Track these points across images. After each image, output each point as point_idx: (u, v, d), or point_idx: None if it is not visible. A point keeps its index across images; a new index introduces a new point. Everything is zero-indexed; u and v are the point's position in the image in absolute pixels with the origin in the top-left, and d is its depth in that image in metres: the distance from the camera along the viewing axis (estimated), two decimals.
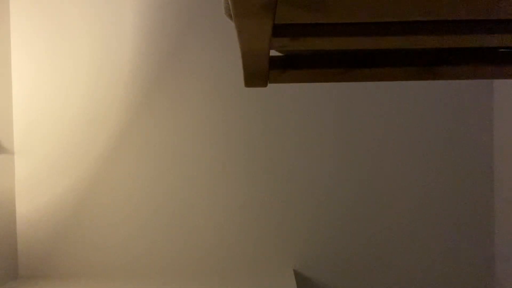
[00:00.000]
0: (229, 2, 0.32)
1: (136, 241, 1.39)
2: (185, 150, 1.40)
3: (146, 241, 1.40)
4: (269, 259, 1.39)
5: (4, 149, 1.35)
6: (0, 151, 1.34)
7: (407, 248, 1.37)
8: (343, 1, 0.36)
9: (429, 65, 0.58)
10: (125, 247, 1.39)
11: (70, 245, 1.39)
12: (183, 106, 1.40)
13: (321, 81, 0.64)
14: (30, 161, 1.40)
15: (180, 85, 1.40)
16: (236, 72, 1.38)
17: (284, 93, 1.38)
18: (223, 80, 1.39)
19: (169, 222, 1.40)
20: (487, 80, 1.35)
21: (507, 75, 0.61)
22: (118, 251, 1.39)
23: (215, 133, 1.39)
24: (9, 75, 1.39)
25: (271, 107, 1.39)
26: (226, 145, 1.39)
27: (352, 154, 1.38)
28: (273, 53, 0.53)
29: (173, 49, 1.39)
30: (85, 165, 1.39)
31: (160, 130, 1.40)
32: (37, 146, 1.39)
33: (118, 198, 1.39)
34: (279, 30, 0.44)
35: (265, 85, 0.61)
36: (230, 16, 0.43)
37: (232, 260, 1.39)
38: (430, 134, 1.37)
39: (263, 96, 1.39)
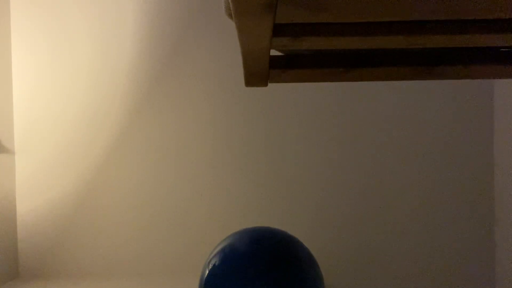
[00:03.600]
0: (230, 2, 0.32)
1: (136, 241, 1.39)
2: (185, 150, 1.40)
3: (147, 241, 1.40)
4: None
5: (4, 149, 1.35)
6: (1, 150, 1.34)
7: (407, 249, 1.37)
8: (343, 1, 0.36)
9: (429, 65, 0.58)
10: (125, 247, 1.39)
11: (70, 245, 1.39)
12: (183, 106, 1.40)
13: (321, 81, 0.64)
14: (30, 161, 1.40)
15: (180, 85, 1.40)
16: (236, 72, 1.38)
17: (285, 93, 1.38)
18: (223, 80, 1.39)
19: (169, 222, 1.40)
20: (487, 80, 1.35)
21: (507, 75, 0.61)
22: (118, 251, 1.39)
23: (216, 133, 1.39)
24: (10, 75, 1.39)
25: (271, 107, 1.39)
26: (227, 146, 1.39)
27: (352, 154, 1.38)
28: (274, 52, 0.53)
29: (173, 49, 1.40)
30: (85, 165, 1.39)
31: (160, 129, 1.40)
32: (38, 145, 1.39)
33: (118, 198, 1.39)
34: (279, 30, 0.44)
35: (266, 85, 0.61)
36: (230, 16, 0.43)
37: None
38: (430, 134, 1.37)
39: (264, 96, 1.39)
